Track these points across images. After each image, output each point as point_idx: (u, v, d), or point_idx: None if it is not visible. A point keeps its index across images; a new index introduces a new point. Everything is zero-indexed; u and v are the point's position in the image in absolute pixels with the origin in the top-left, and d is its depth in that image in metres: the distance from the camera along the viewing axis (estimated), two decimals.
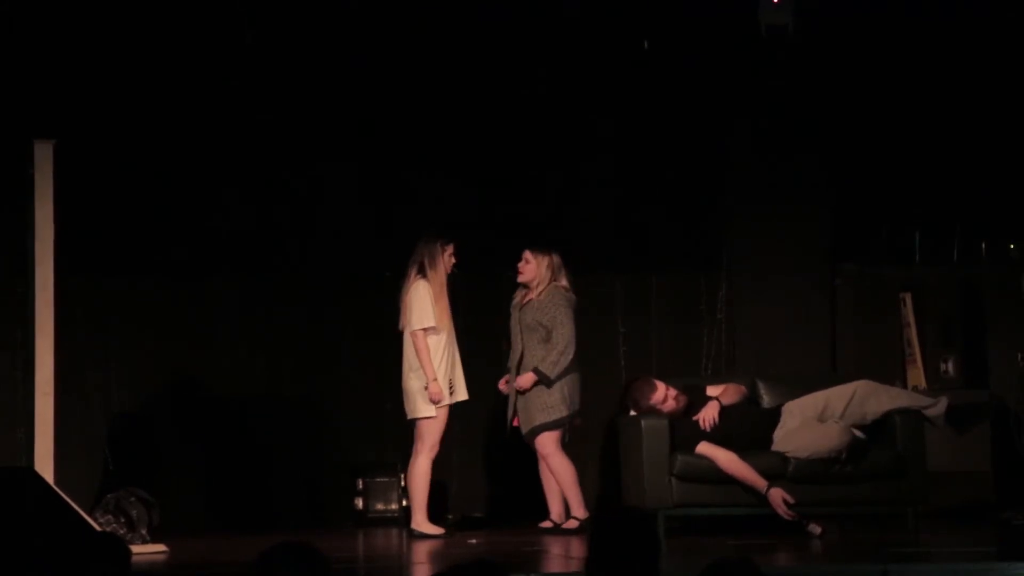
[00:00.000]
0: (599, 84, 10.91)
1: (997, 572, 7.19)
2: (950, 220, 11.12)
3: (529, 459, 9.81)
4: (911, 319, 10.76)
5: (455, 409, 9.63)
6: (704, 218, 11.03)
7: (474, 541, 9.25)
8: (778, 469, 9.12)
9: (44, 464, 8.70)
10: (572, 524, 9.58)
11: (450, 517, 10.34)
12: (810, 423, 9.24)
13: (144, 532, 8.91)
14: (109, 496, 9.08)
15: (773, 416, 9.38)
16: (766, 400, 9.65)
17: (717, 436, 9.20)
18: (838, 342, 10.98)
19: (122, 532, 8.76)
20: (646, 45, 10.93)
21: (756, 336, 10.92)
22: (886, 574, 7.12)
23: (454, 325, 9.56)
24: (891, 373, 10.55)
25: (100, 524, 8.66)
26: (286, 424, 10.61)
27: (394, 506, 10.39)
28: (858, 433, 9.21)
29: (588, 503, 9.75)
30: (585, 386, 9.71)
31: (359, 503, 10.41)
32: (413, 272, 9.55)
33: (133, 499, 8.99)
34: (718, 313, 11.01)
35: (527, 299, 9.72)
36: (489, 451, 10.70)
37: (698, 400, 9.41)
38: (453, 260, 9.55)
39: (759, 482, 9.04)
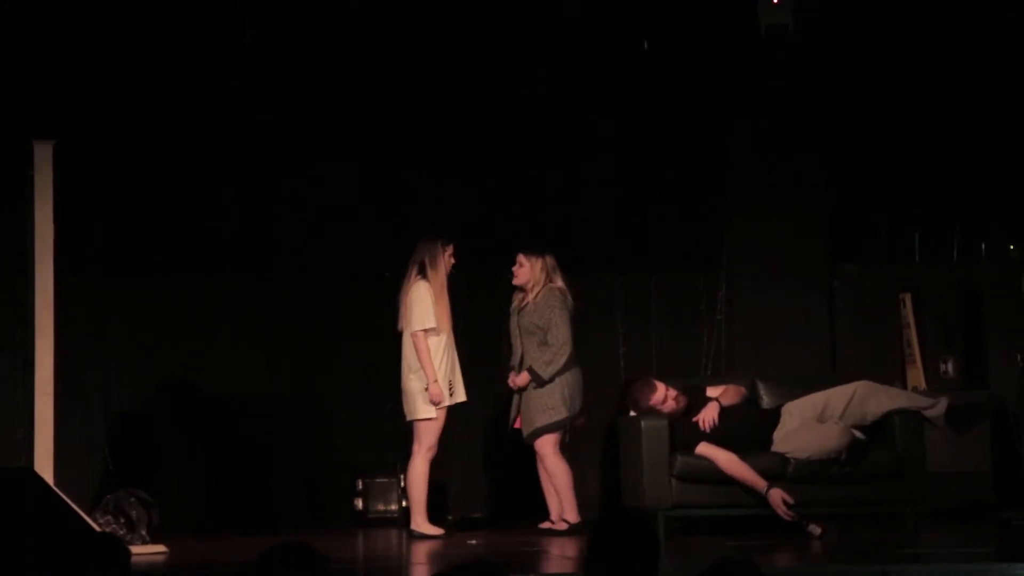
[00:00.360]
0: (599, 84, 10.91)
1: (997, 572, 7.19)
2: (950, 220, 11.12)
3: (529, 460, 9.81)
4: (911, 319, 10.76)
5: (455, 410, 9.63)
6: (704, 218, 11.03)
7: (474, 542, 9.25)
8: (778, 470, 9.12)
9: (44, 464, 8.70)
10: (562, 526, 9.58)
11: (450, 518, 10.34)
12: (810, 424, 9.24)
13: (144, 533, 8.91)
14: (109, 497, 9.08)
15: (773, 417, 9.38)
16: (766, 401, 9.65)
17: (717, 437, 9.20)
18: (838, 342, 10.97)
19: (122, 533, 8.76)
20: (646, 45, 10.93)
21: (756, 336, 10.92)
22: (885, 574, 7.12)
23: (453, 326, 9.56)
24: (891, 373, 10.55)
25: (100, 525, 8.66)
26: (286, 424, 10.61)
27: (394, 507, 10.39)
28: (858, 434, 9.21)
29: (588, 503, 9.75)
30: (585, 386, 9.70)
31: (359, 503, 10.41)
32: (413, 272, 9.54)
33: (133, 499, 8.99)
34: (718, 313, 11.01)
35: (524, 303, 9.72)
36: (489, 452, 10.70)
37: (698, 401, 9.40)
38: (452, 260, 9.55)
39: (759, 483, 9.03)
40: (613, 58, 10.92)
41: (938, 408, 9.29)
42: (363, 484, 10.42)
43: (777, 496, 8.97)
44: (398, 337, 9.57)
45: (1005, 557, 7.91)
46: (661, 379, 9.52)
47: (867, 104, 10.96)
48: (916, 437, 9.25)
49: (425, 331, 9.44)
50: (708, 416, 9.26)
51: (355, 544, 9.65)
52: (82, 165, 9.86)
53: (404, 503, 10.09)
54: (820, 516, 9.10)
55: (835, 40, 10.84)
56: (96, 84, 10.36)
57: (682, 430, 9.24)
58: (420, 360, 9.42)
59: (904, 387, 10.51)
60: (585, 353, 9.81)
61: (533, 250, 9.72)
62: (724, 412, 9.31)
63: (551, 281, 9.69)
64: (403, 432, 9.69)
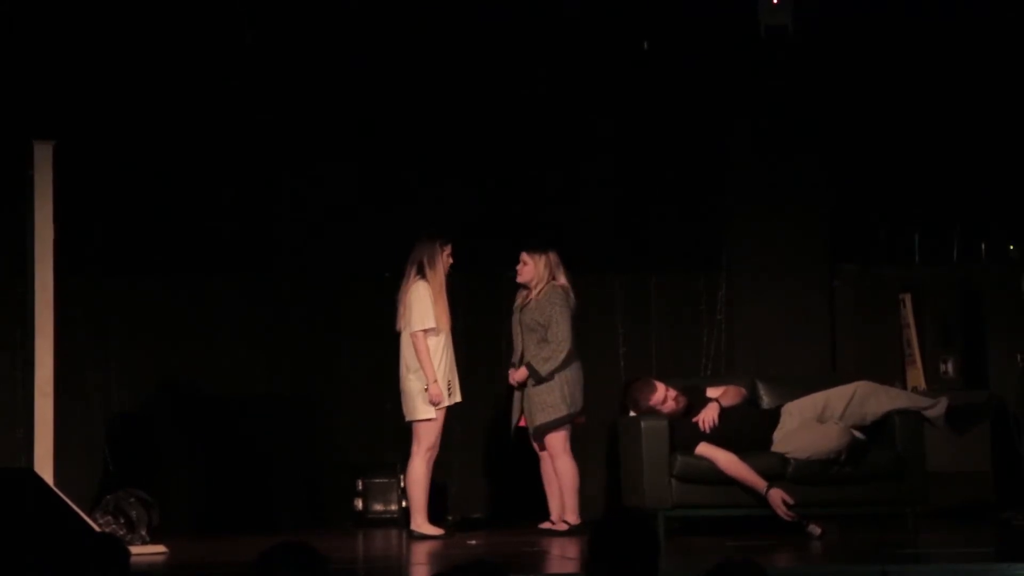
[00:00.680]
0: (599, 84, 10.91)
1: (996, 572, 7.19)
2: (950, 220, 11.12)
3: (529, 460, 9.81)
4: (911, 320, 10.76)
5: (455, 410, 9.63)
6: (704, 218, 11.03)
7: (473, 542, 9.26)
8: (778, 470, 9.12)
9: (43, 464, 8.70)
10: (562, 527, 9.59)
11: (450, 518, 10.34)
12: (810, 424, 9.24)
13: (143, 533, 8.91)
14: (108, 497, 9.07)
15: (773, 417, 9.38)
16: (766, 401, 9.65)
17: (717, 437, 9.20)
18: (838, 342, 10.97)
19: (121, 533, 8.76)
20: (646, 45, 10.93)
21: (756, 336, 10.92)
22: (885, 574, 7.12)
23: (452, 326, 9.56)
24: (891, 374, 10.55)
25: (99, 525, 8.66)
26: (286, 424, 10.60)
27: (393, 507, 10.39)
28: (858, 434, 9.21)
29: (589, 504, 9.75)
30: (585, 386, 9.70)
31: (358, 504, 10.41)
32: (412, 272, 9.54)
33: (132, 500, 8.98)
34: (718, 313, 11.01)
35: (527, 300, 9.74)
36: (489, 452, 10.70)
37: (698, 401, 9.40)
38: (450, 260, 9.55)
39: (759, 483, 9.03)
40: (613, 58, 10.92)
41: (938, 408, 9.29)
42: (363, 484, 10.42)
43: (777, 496, 8.97)
44: (398, 337, 9.57)
45: (1005, 557, 7.91)
46: (661, 379, 9.52)
47: (867, 104, 10.96)
48: (916, 437, 9.24)
49: (424, 331, 9.44)
50: (708, 416, 9.26)
51: (355, 544, 9.66)
52: (82, 165, 9.86)
53: (404, 503, 10.08)
54: (820, 516, 9.10)
55: (835, 40, 10.84)
56: (96, 84, 10.36)
57: (682, 430, 9.23)
58: (419, 360, 9.42)
59: (904, 387, 10.52)
60: (585, 353, 9.81)
61: (536, 248, 9.74)
62: (724, 412, 9.31)
63: (554, 279, 9.71)
64: (403, 432, 9.69)
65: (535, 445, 9.75)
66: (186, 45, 10.51)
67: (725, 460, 9.09)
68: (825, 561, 8.35)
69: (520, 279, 9.78)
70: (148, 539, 8.90)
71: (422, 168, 10.74)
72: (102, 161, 10.36)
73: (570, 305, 9.67)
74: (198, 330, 10.65)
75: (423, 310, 9.44)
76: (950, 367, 10.63)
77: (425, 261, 9.51)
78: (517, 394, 9.75)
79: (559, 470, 9.63)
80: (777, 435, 9.28)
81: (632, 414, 9.46)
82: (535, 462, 9.78)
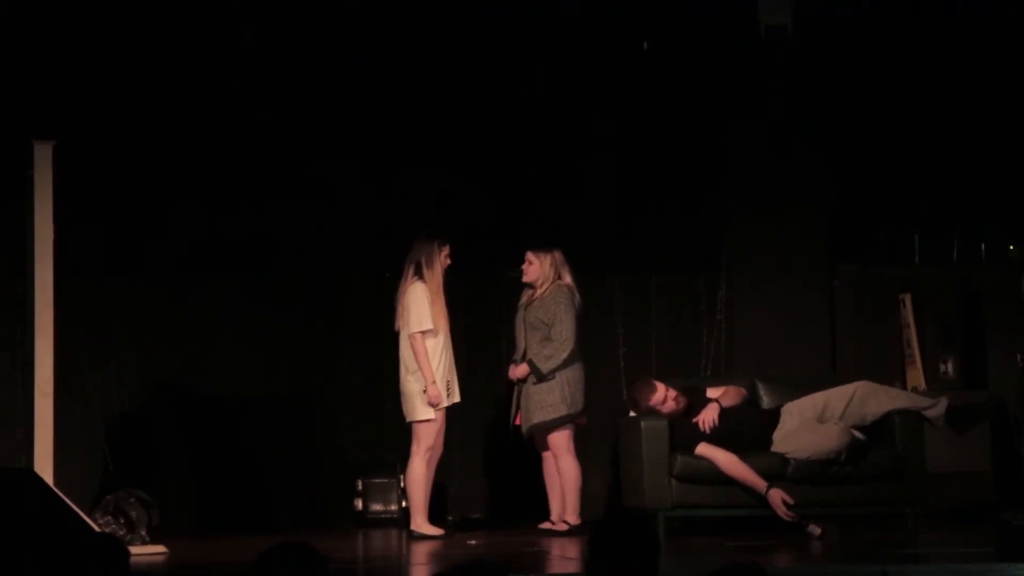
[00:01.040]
0: (599, 84, 10.91)
1: (996, 573, 7.19)
2: (950, 220, 11.12)
3: (529, 460, 9.81)
4: (911, 320, 10.76)
5: (455, 410, 9.63)
6: (704, 218, 11.03)
7: (473, 542, 9.26)
8: (778, 470, 9.12)
9: (43, 465, 8.70)
10: (562, 527, 9.59)
11: (450, 518, 10.34)
12: (810, 424, 9.24)
13: (143, 533, 8.91)
14: (108, 497, 9.08)
15: (773, 417, 9.37)
16: (766, 401, 9.64)
17: (717, 437, 9.20)
18: (838, 343, 10.97)
19: (121, 533, 8.76)
20: (646, 45, 10.93)
21: (756, 337, 10.92)
22: (885, 574, 7.12)
23: (450, 326, 9.55)
24: (891, 374, 10.55)
25: (99, 525, 8.66)
26: (286, 424, 10.60)
27: (393, 507, 10.39)
28: (857, 434, 9.21)
29: (589, 504, 9.75)
30: (586, 386, 9.70)
31: (358, 504, 10.41)
32: (410, 273, 9.54)
33: (132, 500, 8.99)
34: (718, 314, 11.01)
35: (532, 298, 9.74)
36: (489, 452, 10.70)
37: (698, 401, 9.40)
38: (448, 261, 9.55)
39: (759, 483, 9.03)
40: (613, 58, 10.92)
41: (938, 408, 9.29)
42: (363, 484, 10.42)
43: (777, 496, 8.97)
44: (398, 337, 9.57)
45: (1005, 557, 7.91)
46: (661, 379, 9.52)
47: (867, 104, 10.96)
48: (916, 437, 9.24)
49: (423, 333, 9.43)
50: (708, 417, 9.26)
51: (355, 544, 9.66)
52: (82, 165, 9.86)
53: (404, 503, 10.08)
54: (820, 516, 9.10)
55: (835, 40, 10.84)
56: (96, 84, 10.36)
57: (682, 430, 9.23)
58: (418, 362, 9.42)
59: (904, 387, 10.52)
60: (585, 353, 9.81)
61: (542, 247, 9.75)
62: (724, 413, 9.30)
63: (560, 278, 9.72)
64: (403, 432, 9.69)
65: (536, 445, 9.75)
66: (186, 45, 10.51)
67: (725, 460, 9.09)
68: (825, 561, 8.34)
69: (526, 278, 9.78)
70: (148, 539, 8.90)
71: (422, 168, 10.74)
72: (102, 161, 10.36)
73: (575, 304, 9.68)
74: (198, 330, 10.65)
75: (420, 312, 9.43)
76: (950, 367, 10.63)
77: (423, 261, 9.51)
78: (516, 391, 9.75)
79: (562, 469, 9.63)
80: (777, 435, 9.28)
81: (632, 414, 9.46)
82: (535, 462, 9.78)
